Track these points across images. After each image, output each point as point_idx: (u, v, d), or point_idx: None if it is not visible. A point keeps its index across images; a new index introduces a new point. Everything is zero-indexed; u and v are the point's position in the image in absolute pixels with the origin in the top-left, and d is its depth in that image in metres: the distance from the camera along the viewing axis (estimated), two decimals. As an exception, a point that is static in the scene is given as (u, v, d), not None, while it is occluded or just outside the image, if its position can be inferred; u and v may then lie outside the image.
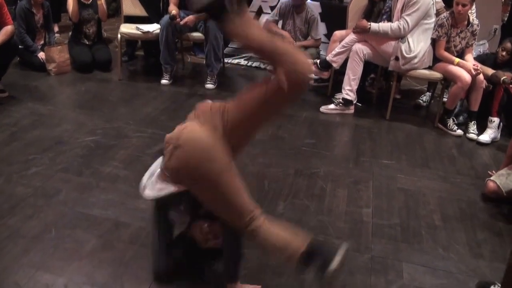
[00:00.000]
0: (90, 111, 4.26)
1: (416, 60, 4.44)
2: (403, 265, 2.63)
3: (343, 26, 5.20)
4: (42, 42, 5.30)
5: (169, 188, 2.01)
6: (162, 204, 2.17)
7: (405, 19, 4.34)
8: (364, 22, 4.55)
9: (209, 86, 5.01)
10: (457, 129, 4.49)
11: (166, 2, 5.41)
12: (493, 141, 4.36)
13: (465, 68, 4.33)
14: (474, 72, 4.30)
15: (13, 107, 4.18)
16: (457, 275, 2.59)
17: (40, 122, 3.94)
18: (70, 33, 5.56)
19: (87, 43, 5.38)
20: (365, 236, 2.85)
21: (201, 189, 1.97)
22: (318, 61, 4.83)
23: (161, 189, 2.03)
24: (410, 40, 4.40)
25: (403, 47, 4.40)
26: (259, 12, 6.01)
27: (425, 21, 4.39)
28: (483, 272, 2.63)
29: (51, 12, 5.34)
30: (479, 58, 4.72)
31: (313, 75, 5.41)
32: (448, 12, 4.48)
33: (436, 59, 4.54)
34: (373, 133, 4.35)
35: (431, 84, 5.23)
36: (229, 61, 5.92)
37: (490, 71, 4.43)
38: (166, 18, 4.81)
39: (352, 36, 4.65)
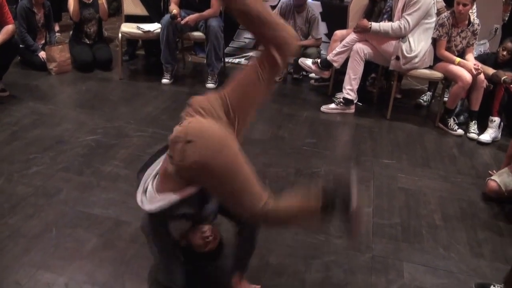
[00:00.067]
0: (90, 110, 4.26)
1: (416, 60, 4.44)
2: (404, 264, 2.63)
3: (344, 26, 5.20)
4: (43, 41, 5.30)
5: (170, 197, 1.97)
6: (162, 216, 2.09)
7: (406, 19, 4.34)
8: (365, 21, 4.55)
9: (210, 85, 5.01)
10: (458, 128, 4.49)
11: (167, 1, 5.42)
12: (494, 141, 4.36)
13: (466, 68, 4.33)
14: (474, 72, 4.30)
15: (14, 106, 4.19)
16: (458, 274, 2.59)
17: (41, 121, 3.94)
18: (71, 32, 5.56)
19: (88, 42, 5.39)
20: (365, 235, 2.85)
21: (217, 181, 1.89)
22: (319, 60, 4.83)
23: (162, 200, 1.99)
24: (411, 39, 4.39)
25: (404, 46, 4.40)
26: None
27: (426, 21, 4.39)
28: (484, 272, 2.63)
29: (52, 12, 5.34)
30: (480, 58, 4.72)
31: (313, 75, 5.42)
32: (449, 11, 4.48)
33: (437, 59, 4.54)
34: (374, 133, 4.35)
35: (432, 83, 5.23)
36: (230, 61, 5.92)
37: (490, 70, 4.43)
38: (167, 17, 4.81)
39: (353, 36, 4.65)
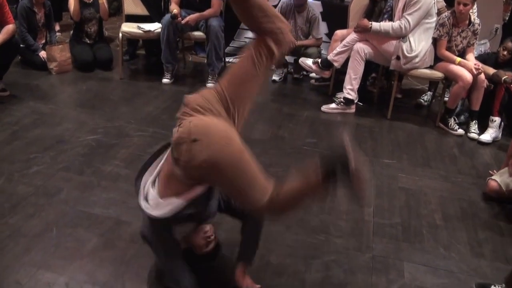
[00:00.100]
0: (91, 110, 4.26)
1: (417, 60, 4.44)
2: (404, 264, 2.63)
3: (344, 26, 5.19)
4: (43, 41, 5.31)
5: (178, 201, 1.96)
6: (166, 221, 2.04)
7: (407, 19, 4.34)
8: (365, 21, 4.55)
9: (211, 85, 5.00)
10: (458, 128, 4.49)
11: (167, 1, 5.41)
12: (494, 141, 4.36)
13: (467, 68, 4.33)
14: (475, 72, 4.30)
15: (14, 106, 4.19)
16: (458, 274, 2.59)
17: (42, 121, 3.94)
18: (71, 32, 5.56)
19: (89, 42, 5.39)
20: (366, 235, 2.85)
21: (227, 176, 1.84)
22: (319, 60, 4.83)
23: (170, 204, 1.97)
24: (411, 39, 4.39)
25: (404, 46, 4.40)
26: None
27: (427, 21, 4.39)
28: (484, 272, 2.63)
29: (53, 11, 5.34)
30: (480, 58, 4.72)
31: (314, 74, 5.42)
32: (449, 11, 4.48)
33: (437, 59, 4.54)
34: (374, 133, 4.35)
35: (432, 83, 5.23)
36: (230, 60, 5.91)
37: (491, 70, 4.43)
38: (167, 17, 4.81)
39: (353, 36, 4.65)
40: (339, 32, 5.05)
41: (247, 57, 1.98)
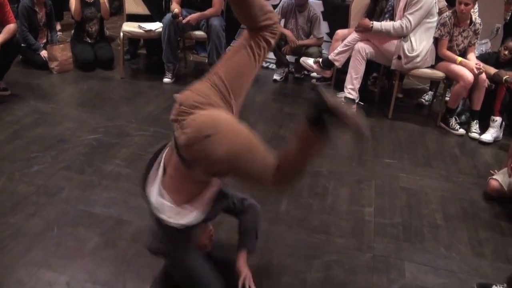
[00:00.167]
0: (92, 109, 4.26)
1: (418, 59, 4.44)
2: (405, 264, 2.63)
3: (345, 25, 5.19)
4: (44, 40, 5.31)
5: (200, 204, 1.94)
6: (187, 229, 1.97)
7: (408, 18, 4.34)
8: (367, 21, 4.55)
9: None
10: (459, 128, 4.49)
11: (168, 0, 5.41)
12: (495, 140, 4.36)
13: (468, 67, 4.33)
14: (476, 71, 4.30)
15: (15, 105, 4.19)
16: (459, 274, 2.59)
17: (42, 120, 3.95)
18: (72, 31, 5.56)
19: (90, 41, 5.39)
20: (367, 235, 2.85)
21: (244, 162, 1.81)
22: (320, 60, 4.83)
23: (194, 208, 1.94)
24: (412, 39, 4.39)
25: (406, 46, 4.40)
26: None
27: (428, 20, 4.38)
28: (485, 272, 2.63)
29: (54, 10, 5.34)
30: (481, 57, 4.72)
31: (315, 74, 5.42)
32: (450, 11, 4.48)
33: (439, 58, 4.54)
34: (376, 132, 4.35)
35: (434, 83, 5.23)
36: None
37: (492, 70, 4.43)
38: (168, 16, 4.81)
39: (354, 35, 4.65)
40: (340, 32, 5.05)
41: (244, 48, 1.94)
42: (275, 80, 5.44)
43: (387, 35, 4.47)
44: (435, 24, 4.43)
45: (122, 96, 4.66)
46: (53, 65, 5.03)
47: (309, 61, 4.87)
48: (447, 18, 4.40)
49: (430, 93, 5.27)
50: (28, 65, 5.12)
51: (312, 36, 5.28)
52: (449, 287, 2.50)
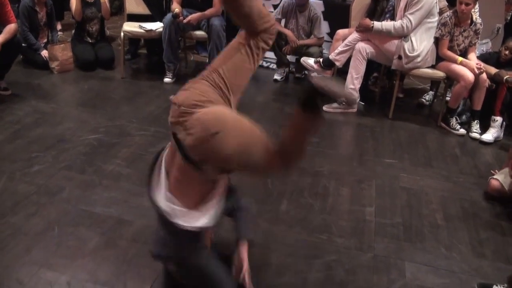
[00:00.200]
0: (92, 109, 4.26)
1: (419, 59, 4.44)
2: (406, 264, 2.63)
3: (346, 25, 5.19)
4: (45, 40, 5.30)
5: (216, 202, 1.93)
6: (200, 230, 1.95)
7: (408, 18, 4.34)
8: (367, 20, 4.55)
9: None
10: (460, 128, 4.48)
11: (169, 0, 5.41)
12: (496, 140, 4.36)
13: (468, 67, 4.33)
14: (477, 71, 4.30)
15: (16, 105, 4.19)
16: (460, 274, 2.59)
17: (43, 120, 3.95)
18: (73, 31, 5.56)
19: (90, 41, 5.39)
20: (367, 235, 2.85)
21: (251, 153, 1.78)
22: (321, 59, 4.82)
23: (210, 208, 1.92)
24: (413, 39, 4.39)
25: (406, 46, 4.40)
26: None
27: (428, 20, 4.38)
28: (486, 272, 2.63)
29: (54, 10, 5.34)
30: (482, 57, 4.71)
31: (315, 74, 5.42)
32: (451, 11, 4.48)
33: (439, 58, 4.53)
34: (376, 132, 4.35)
35: (434, 83, 5.23)
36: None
37: (493, 70, 4.43)
38: (169, 16, 4.82)
39: (355, 35, 4.65)
40: (340, 32, 5.05)
41: (243, 47, 1.95)
42: (275, 80, 5.44)
43: (387, 35, 4.47)
44: (435, 24, 4.43)
45: (122, 96, 4.66)
46: (53, 65, 5.04)
47: (310, 61, 4.87)
48: (448, 18, 4.40)
49: (431, 93, 5.27)
50: (29, 65, 5.13)
51: (313, 36, 5.28)
52: (450, 287, 2.50)
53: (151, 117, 4.18)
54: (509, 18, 5.36)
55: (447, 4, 4.82)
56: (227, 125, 1.75)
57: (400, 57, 4.46)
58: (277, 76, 5.48)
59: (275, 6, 5.70)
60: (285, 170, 1.97)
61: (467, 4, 4.22)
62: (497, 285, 2.41)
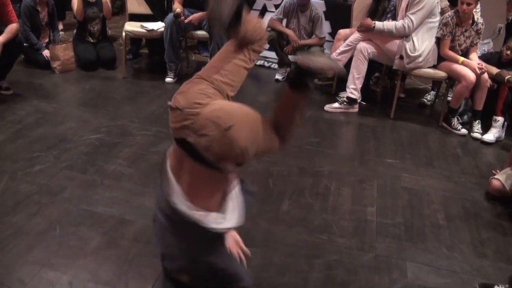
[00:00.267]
0: (94, 109, 4.27)
1: (420, 59, 4.43)
2: (407, 264, 2.62)
3: (347, 25, 5.19)
4: (46, 40, 5.31)
5: (235, 210, 1.89)
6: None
7: (410, 18, 4.34)
8: (369, 20, 4.55)
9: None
10: (462, 128, 4.48)
11: (170, 0, 5.42)
12: (498, 141, 4.35)
13: (470, 67, 4.33)
14: (478, 71, 4.29)
15: (17, 105, 4.19)
16: (461, 274, 2.59)
17: (45, 120, 3.95)
18: (74, 31, 5.57)
19: (92, 41, 5.39)
20: (369, 235, 2.85)
21: (260, 142, 1.79)
22: (322, 59, 4.82)
23: (235, 207, 1.89)
24: (414, 39, 4.39)
25: (408, 45, 4.40)
26: (264, 10, 6.00)
27: (430, 20, 4.38)
28: (487, 272, 2.63)
29: (56, 10, 5.35)
30: (484, 57, 4.71)
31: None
32: (452, 11, 4.48)
33: (441, 58, 4.53)
34: (377, 132, 4.35)
35: (436, 83, 5.22)
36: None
37: (494, 70, 4.42)
38: (170, 16, 4.82)
39: (356, 35, 4.65)
40: (342, 32, 5.05)
41: (237, 51, 1.91)
42: (277, 80, 5.44)
43: (389, 35, 4.47)
44: (437, 24, 4.43)
45: (124, 96, 4.67)
46: (55, 64, 5.04)
47: (311, 61, 4.86)
48: (449, 18, 4.40)
49: (432, 93, 5.27)
50: (31, 65, 5.13)
51: (314, 36, 5.28)
52: (451, 287, 2.49)
53: (152, 117, 4.18)
54: (510, 18, 5.36)
55: (448, 4, 4.82)
56: (236, 116, 1.73)
57: (401, 57, 4.46)
58: (278, 76, 5.48)
59: (276, 6, 5.71)
60: (283, 146, 1.96)
61: (468, 4, 4.22)
62: (498, 285, 2.41)
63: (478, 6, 4.61)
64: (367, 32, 4.57)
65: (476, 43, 4.52)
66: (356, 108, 4.77)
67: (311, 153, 3.78)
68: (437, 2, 4.37)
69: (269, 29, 5.12)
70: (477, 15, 4.58)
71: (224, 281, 2.02)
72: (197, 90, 1.80)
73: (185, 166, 1.83)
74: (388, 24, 4.46)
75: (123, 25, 5.24)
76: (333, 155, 3.81)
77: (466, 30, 4.43)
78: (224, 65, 1.91)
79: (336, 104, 4.74)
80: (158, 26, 5.04)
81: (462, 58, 4.40)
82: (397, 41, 4.45)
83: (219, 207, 1.88)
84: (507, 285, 2.38)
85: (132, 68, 5.50)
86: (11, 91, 4.41)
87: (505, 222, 3.12)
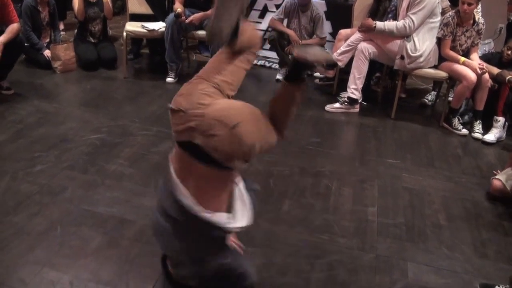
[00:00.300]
0: (95, 109, 4.27)
1: (421, 59, 4.43)
2: (408, 264, 2.62)
3: (348, 25, 5.19)
4: (47, 40, 5.32)
5: (245, 208, 1.92)
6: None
7: (411, 18, 4.34)
8: (370, 20, 4.55)
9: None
10: (462, 128, 4.48)
11: (171, 0, 5.42)
12: (498, 141, 4.35)
13: (471, 67, 4.32)
14: (479, 71, 4.29)
15: (18, 105, 4.20)
16: (462, 274, 2.59)
17: (46, 120, 3.95)
18: (75, 31, 5.58)
19: (93, 41, 5.40)
20: (370, 235, 2.85)
21: (264, 137, 1.79)
22: (323, 59, 4.82)
23: (245, 205, 1.92)
24: (415, 39, 4.39)
25: (409, 46, 4.40)
26: (264, 10, 6.00)
27: (431, 20, 4.38)
28: (488, 272, 2.62)
29: (57, 10, 5.35)
30: (484, 57, 4.71)
31: (318, 74, 5.43)
32: (453, 11, 4.48)
33: (442, 58, 4.53)
34: (378, 132, 4.34)
35: (437, 83, 5.22)
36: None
37: (495, 70, 4.42)
38: (171, 16, 4.82)
39: (357, 35, 4.65)
40: (343, 32, 5.06)
41: (235, 56, 1.94)
42: (278, 80, 5.44)
43: (390, 35, 4.47)
44: (438, 24, 4.43)
45: (125, 96, 4.67)
46: (56, 64, 5.05)
47: (312, 61, 4.86)
48: (450, 18, 4.39)
49: (433, 93, 5.27)
50: (32, 65, 5.14)
51: (315, 36, 5.28)
52: (452, 287, 2.49)
53: (153, 116, 4.19)
54: (511, 18, 5.35)
55: (449, 4, 4.82)
56: (241, 114, 1.73)
57: (402, 57, 4.46)
58: (279, 76, 5.48)
59: (277, 6, 5.71)
60: (279, 139, 1.96)
61: (469, 4, 4.22)
62: (499, 286, 2.41)
63: (479, 6, 4.60)
64: (368, 32, 4.57)
65: (477, 43, 4.52)
66: (357, 108, 4.77)
67: (312, 153, 3.79)
68: (438, 2, 4.37)
69: (270, 29, 5.13)
70: (478, 15, 4.58)
71: (233, 280, 2.01)
72: (198, 90, 1.80)
73: (191, 169, 1.80)
74: (389, 24, 4.47)
75: (124, 25, 5.25)
76: (334, 155, 3.81)
77: (467, 30, 4.43)
78: (223, 66, 1.92)
79: (337, 104, 4.74)
80: (159, 26, 5.05)
81: (463, 58, 4.40)
82: (398, 41, 4.45)
83: (227, 207, 1.88)
84: (508, 286, 2.38)
85: (133, 68, 5.50)
86: (12, 91, 4.42)
87: (506, 222, 3.12)
